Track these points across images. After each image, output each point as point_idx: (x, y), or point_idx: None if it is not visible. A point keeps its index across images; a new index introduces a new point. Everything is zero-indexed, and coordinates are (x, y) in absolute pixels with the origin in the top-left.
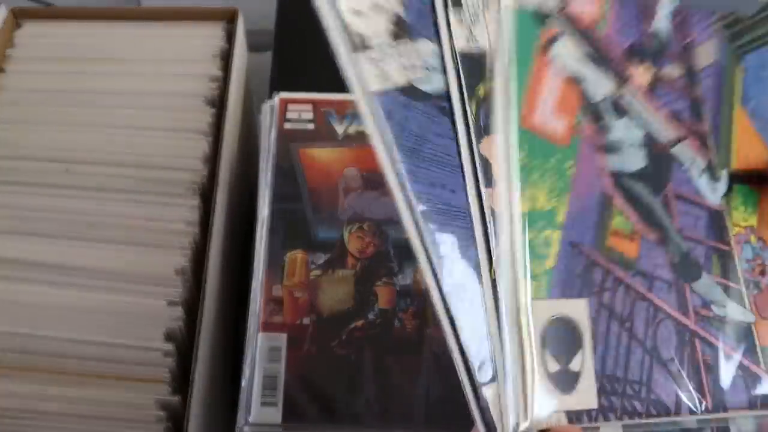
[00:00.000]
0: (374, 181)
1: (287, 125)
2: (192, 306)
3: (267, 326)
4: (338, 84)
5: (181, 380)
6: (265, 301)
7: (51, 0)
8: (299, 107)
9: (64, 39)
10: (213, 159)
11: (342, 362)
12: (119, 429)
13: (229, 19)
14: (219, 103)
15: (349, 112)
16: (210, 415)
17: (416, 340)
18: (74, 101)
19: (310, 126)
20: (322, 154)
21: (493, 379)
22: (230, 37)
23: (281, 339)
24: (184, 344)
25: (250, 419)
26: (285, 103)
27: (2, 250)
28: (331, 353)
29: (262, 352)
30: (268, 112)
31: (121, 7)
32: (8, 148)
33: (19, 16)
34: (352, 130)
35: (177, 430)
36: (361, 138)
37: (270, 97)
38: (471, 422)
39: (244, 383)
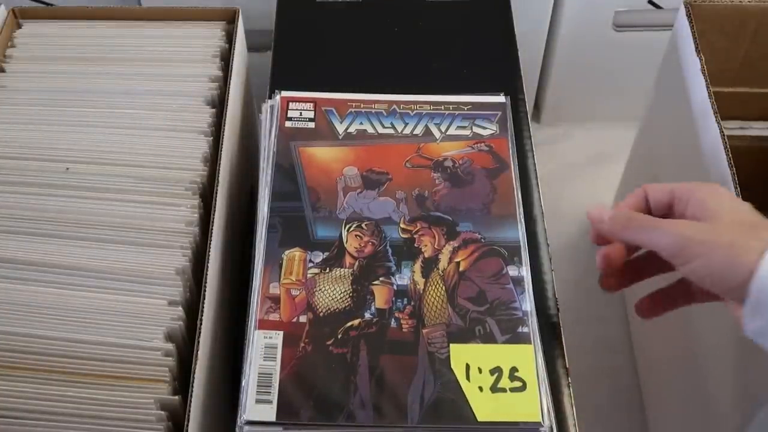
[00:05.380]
0: (373, 180)
1: (288, 123)
2: (192, 306)
3: (263, 324)
4: (337, 84)
5: (181, 380)
6: (262, 299)
7: (51, 0)
8: (300, 106)
9: (64, 39)
10: (213, 159)
11: (337, 361)
12: (119, 429)
13: (229, 19)
14: (219, 103)
15: (349, 112)
16: (210, 415)
17: (412, 339)
18: (74, 101)
19: (311, 124)
20: (322, 153)
21: None
22: (230, 37)
23: (277, 337)
24: (184, 344)
25: (244, 416)
26: (286, 102)
27: (2, 250)
28: (327, 352)
29: (258, 350)
30: (268, 111)
31: (121, 7)
32: (8, 148)
33: (19, 16)
34: (352, 129)
35: (177, 430)
36: (361, 137)
37: (270, 97)
38: (464, 423)
39: (244, 383)
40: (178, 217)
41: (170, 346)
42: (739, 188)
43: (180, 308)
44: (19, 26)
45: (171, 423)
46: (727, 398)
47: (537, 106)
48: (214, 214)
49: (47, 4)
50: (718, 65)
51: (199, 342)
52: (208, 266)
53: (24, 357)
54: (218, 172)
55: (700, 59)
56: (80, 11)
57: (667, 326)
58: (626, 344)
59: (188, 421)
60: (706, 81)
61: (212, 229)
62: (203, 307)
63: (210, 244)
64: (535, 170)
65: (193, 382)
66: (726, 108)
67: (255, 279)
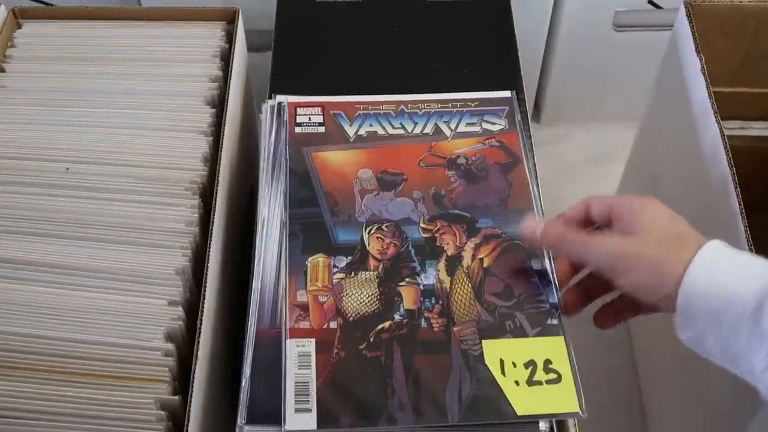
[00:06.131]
0: (389, 181)
1: (298, 129)
2: (192, 306)
3: (295, 332)
4: (337, 84)
5: (181, 380)
6: (290, 307)
7: (51, 0)
8: (308, 110)
9: (64, 39)
10: (213, 159)
11: (372, 364)
12: (119, 429)
13: (229, 19)
14: (219, 103)
15: (358, 114)
16: (210, 415)
17: (444, 338)
18: (74, 101)
19: (321, 129)
20: (334, 157)
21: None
22: (230, 37)
23: (310, 344)
24: (184, 344)
25: (286, 427)
26: (294, 107)
27: (2, 250)
28: (361, 356)
29: (292, 359)
30: (268, 112)
31: (121, 7)
32: (8, 148)
33: (19, 16)
34: (363, 131)
35: (177, 430)
36: (372, 139)
37: (270, 97)
38: (504, 417)
39: (244, 383)
40: (178, 217)
41: (170, 346)
42: (739, 188)
43: (180, 308)
44: (19, 26)
45: (171, 423)
46: (727, 398)
47: (537, 106)
48: (214, 214)
49: (47, 4)
50: (718, 65)
51: (199, 342)
52: (208, 266)
53: (24, 357)
54: (218, 172)
55: (700, 59)
56: (80, 11)
57: (667, 326)
58: (626, 344)
59: (188, 421)
60: (706, 81)
61: (212, 229)
62: (203, 307)
63: (210, 244)
64: (535, 170)
65: (193, 382)
66: (726, 108)
67: (257, 281)
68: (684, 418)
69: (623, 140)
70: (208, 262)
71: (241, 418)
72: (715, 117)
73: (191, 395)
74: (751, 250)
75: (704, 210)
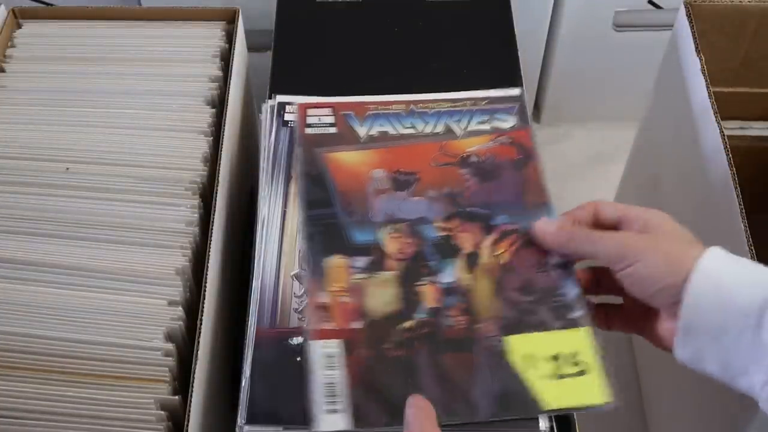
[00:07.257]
0: (402, 181)
1: (309, 130)
2: (192, 306)
3: (318, 334)
4: (337, 84)
5: (181, 380)
6: (312, 309)
7: (51, 0)
8: (318, 111)
9: (64, 39)
10: (213, 159)
11: (398, 363)
12: (119, 429)
13: (229, 19)
14: (219, 103)
15: (368, 114)
16: (210, 415)
17: (467, 336)
18: (74, 101)
19: (332, 129)
20: (347, 158)
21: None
22: (230, 37)
23: (335, 345)
24: (184, 344)
25: (318, 428)
26: (304, 108)
27: (2, 250)
28: (386, 355)
29: (319, 360)
30: (268, 112)
31: (121, 7)
32: (8, 148)
33: (19, 16)
34: (374, 131)
35: (177, 430)
36: (383, 139)
37: (270, 97)
38: (534, 412)
39: (244, 383)
40: (178, 217)
41: (170, 346)
42: (739, 188)
43: (180, 308)
44: (19, 26)
45: (171, 423)
46: (727, 398)
47: (537, 106)
48: (214, 214)
49: (47, 4)
50: (718, 65)
51: (199, 342)
52: (208, 266)
53: (24, 357)
54: (218, 172)
55: (700, 59)
56: (80, 11)
57: None
58: (626, 344)
59: (188, 421)
60: (706, 81)
61: (212, 229)
62: (203, 307)
63: (210, 244)
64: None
65: (193, 382)
66: (726, 108)
67: (257, 281)
68: (684, 418)
69: (623, 140)
70: (208, 262)
71: (241, 418)
72: (715, 117)
73: (191, 395)
74: (751, 250)
75: (704, 210)
